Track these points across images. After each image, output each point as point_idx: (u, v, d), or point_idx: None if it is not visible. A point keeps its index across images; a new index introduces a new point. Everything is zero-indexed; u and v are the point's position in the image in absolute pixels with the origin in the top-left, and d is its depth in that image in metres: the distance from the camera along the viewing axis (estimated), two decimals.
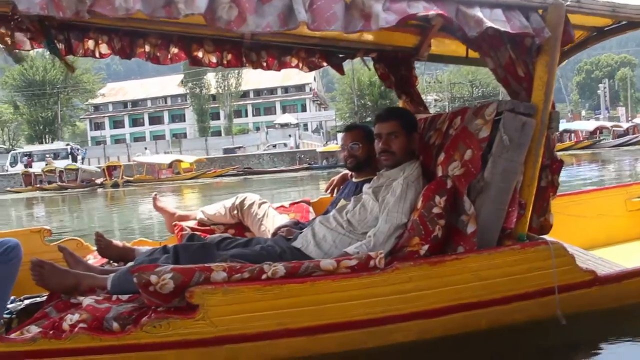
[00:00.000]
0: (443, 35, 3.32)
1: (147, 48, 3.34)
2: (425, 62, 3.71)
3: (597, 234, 3.72)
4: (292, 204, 3.86)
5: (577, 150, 34.53)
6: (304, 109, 67.65)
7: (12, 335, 2.38)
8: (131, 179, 37.12)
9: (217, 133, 62.64)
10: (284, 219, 3.45)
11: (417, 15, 2.16)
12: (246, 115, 69.42)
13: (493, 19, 2.25)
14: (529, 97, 2.49)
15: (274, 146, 48.47)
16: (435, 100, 60.97)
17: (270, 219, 3.45)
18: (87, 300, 2.54)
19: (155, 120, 70.95)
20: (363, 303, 2.39)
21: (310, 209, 3.80)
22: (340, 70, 3.70)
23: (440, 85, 64.47)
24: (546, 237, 2.65)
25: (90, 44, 3.27)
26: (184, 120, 68.20)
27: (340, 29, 2.13)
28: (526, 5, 2.33)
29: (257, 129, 61.57)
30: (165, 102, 72.42)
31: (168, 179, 37.51)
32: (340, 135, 44.43)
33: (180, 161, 39.89)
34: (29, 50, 3.34)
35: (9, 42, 3.11)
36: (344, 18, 2.16)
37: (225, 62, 3.45)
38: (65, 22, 3.14)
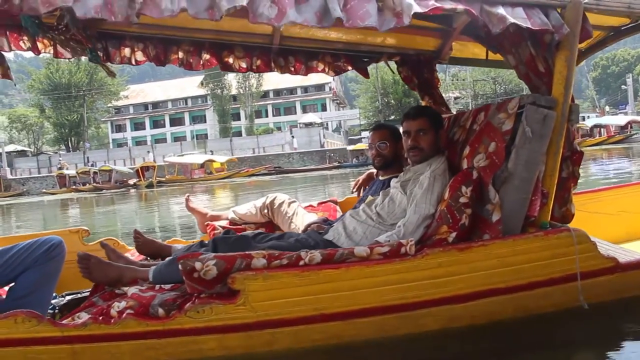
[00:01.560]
0: (464, 38, 3.46)
1: (181, 55, 3.51)
2: (447, 64, 3.86)
3: (618, 231, 3.79)
4: (320, 204, 3.99)
5: (610, 145, 34.28)
6: (324, 109, 68.24)
7: (65, 321, 2.52)
8: (163, 179, 37.43)
9: (238, 134, 63.33)
10: (312, 217, 3.58)
11: (445, 9, 2.29)
12: (266, 116, 70.19)
13: (515, 17, 2.39)
14: (549, 91, 2.61)
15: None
16: (457, 97, 60.63)
17: (300, 217, 3.58)
18: (132, 290, 2.69)
19: (176, 121, 71.96)
20: (395, 288, 2.51)
21: (338, 208, 3.93)
22: (365, 74, 3.84)
23: (462, 83, 64.18)
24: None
25: (127, 51, 3.44)
26: (205, 121, 69.00)
27: (374, 24, 2.26)
28: (546, 3, 2.46)
29: (279, 128, 62.30)
30: (186, 104, 73.45)
31: (201, 179, 37.84)
32: (366, 134, 44.55)
33: (212, 161, 40.17)
34: (69, 59, 3.52)
35: (52, 51, 3.31)
36: (377, 16, 2.30)
37: (254, 67, 3.61)
38: (104, 32, 3.34)
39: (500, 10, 2.34)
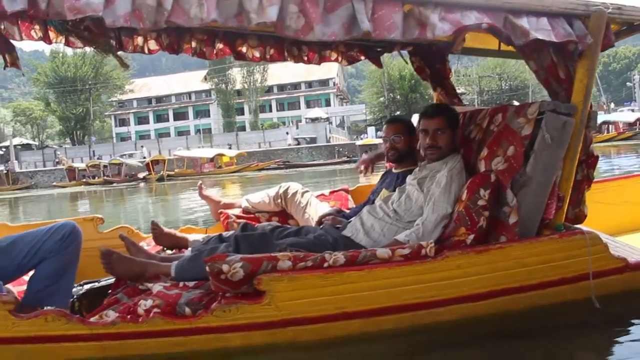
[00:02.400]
0: (477, 29, 3.46)
1: (194, 44, 3.48)
2: (459, 54, 3.87)
3: (623, 221, 3.89)
4: (331, 192, 4.04)
5: (620, 142, 34.56)
6: (327, 104, 67.89)
7: (92, 319, 2.59)
8: (172, 173, 37.40)
9: (241, 128, 63.23)
10: (325, 207, 3.64)
11: (470, 27, 2.32)
12: (270, 111, 69.94)
13: (538, 28, 2.41)
14: (568, 97, 2.66)
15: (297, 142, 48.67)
16: (462, 93, 60.54)
17: (313, 207, 3.64)
18: (156, 287, 2.74)
19: (180, 116, 71.83)
20: (414, 288, 2.59)
21: (349, 197, 3.99)
22: (378, 64, 3.85)
23: (468, 79, 63.84)
24: (580, 226, 2.85)
25: (140, 40, 3.41)
26: (209, 116, 68.60)
27: (399, 37, 2.29)
28: (570, 13, 2.48)
29: (283, 123, 62.20)
30: (190, 98, 73.06)
31: (210, 172, 37.81)
32: (371, 130, 44.59)
33: (222, 155, 40.09)
34: (80, 48, 3.49)
35: (63, 41, 3.28)
36: (402, 26, 2.32)
37: (268, 56, 3.59)
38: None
39: (524, 23, 2.37)
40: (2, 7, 2.18)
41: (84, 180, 39.35)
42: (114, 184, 35.69)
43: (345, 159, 39.72)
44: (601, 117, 40.30)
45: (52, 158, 54.42)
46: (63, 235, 2.90)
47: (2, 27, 3.01)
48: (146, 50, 3.45)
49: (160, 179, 35.58)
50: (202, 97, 72.02)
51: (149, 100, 74.17)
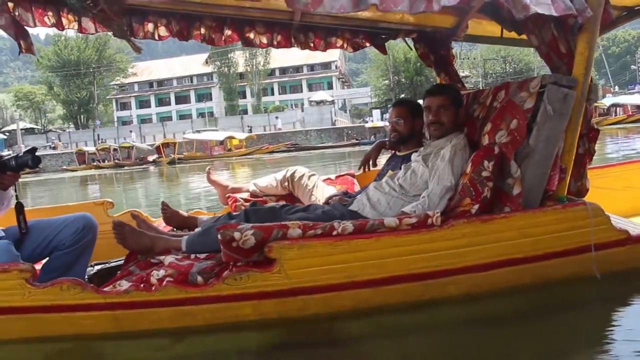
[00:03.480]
0: (480, 16, 3.56)
1: (203, 30, 3.57)
2: (462, 41, 3.96)
3: (624, 206, 3.93)
4: (338, 177, 4.11)
5: (629, 124, 34.39)
6: (330, 87, 67.92)
7: (106, 289, 2.65)
8: (181, 156, 37.45)
9: (244, 112, 63.40)
10: (332, 190, 3.70)
11: None
12: (272, 94, 69.88)
13: (539, 2, 2.48)
14: (569, 71, 2.73)
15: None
16: (466, 76, 60.38)
17: (320, 190, 3.70)
18: (168, 259, 2.81)
19: (182, 99, 71.66)
20: (421, 257, 2.65)
21: (355, 181, 4.06)
22: (383, 50, 3.94)
23: (473, 62, 63.76)
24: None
25: (150, 27, 3.49)
26: (210, 99, 68.19)
27: (405, 9, 2.36)
28: None
29: (291, 106, 62.37)
30: (191, 82, 72.89)
31: (221, 155, 37.82)
32: (376, 112, 44.74)
33: (232, 138, 40.18)
34: (93, 34, 3.57)
35: (76, 27, 3.36)
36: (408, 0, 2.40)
37: (275, 42, 3.69)
38: (128, 7, 3.39)
39: None
40: None
41: (95, 163, 39.53)
42: (125, 167, 35.73)
43: (354, 141, 39.75)
44: (610, 100, 40.43)
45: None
46: (77, 229, 2.96)
47: (17, 13, 3.10)
48: (156, 37, 3.54)
49: (172, 162, 35.63)
50: (204, 81, 71.98)
51: (150, 83, 74.07)
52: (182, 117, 66.79)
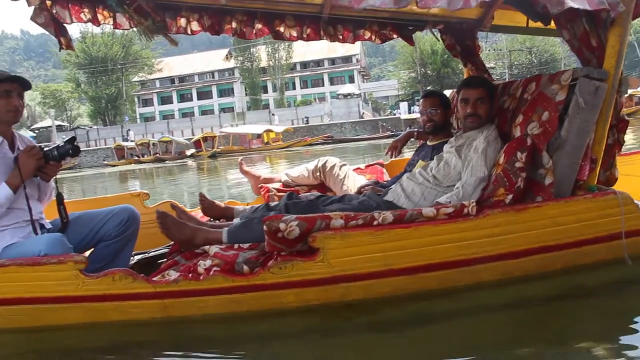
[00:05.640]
0: (505, 6, 3.61)
1: (234, 24, 3.64)
2: (487, 32, 4.02)
3: None
4: (367, 166, 4.22)
5: None
6: (351, 80, 67.26)
7: (155, 278, 2.77)
8: (218, 150, 37.65)
9: (266, 106, 63.13)
10: (362, 180, 3.80)
11: None
12: (294, 88, 69.61)
13: None
14: (600, 64, 2.81)
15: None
16: (492, 68, 59.98)
17: (351, 180, 3.80)
18: (213, 249, 2.93)
19: (203, 95, 71.34)
20: (457, 245, 2.76)
21: (384, 170, 4.15)
22: (411, 42, 4.00)
23: (498, 53, 63.26)
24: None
25: (183, 22, 3.56)
26: (232, 95, 68.03)
27: (445, 5, 2.44)
28: None
29: (320, 99, 62.25)
30: (213, 77, 72.63)
31: (259, 148, 38.00)
32: (404, 105, 44.62)
33: (270, 131, 40.38)
34: (127, 29, 3.65)
35: (111, 22, 3.44)
36: None
37: (305, 35, 3.75)
38: (161, 3, 3.46)
39: None
40: None
41: (135, 158, 39.84)
42: (166, 162, 35.98)
43: (389, 133, 39.74)
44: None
45: (84, 139, 54.62)
46: (122, 220, 3.09)
47: (55, 11, 3.19)
48: (189, 31, 3.60)
49: (213, 156, 35.76)
50: (226, 76, 71.60)
51: (171, 79, 73.73)
52: (204, 112, 66.80)
